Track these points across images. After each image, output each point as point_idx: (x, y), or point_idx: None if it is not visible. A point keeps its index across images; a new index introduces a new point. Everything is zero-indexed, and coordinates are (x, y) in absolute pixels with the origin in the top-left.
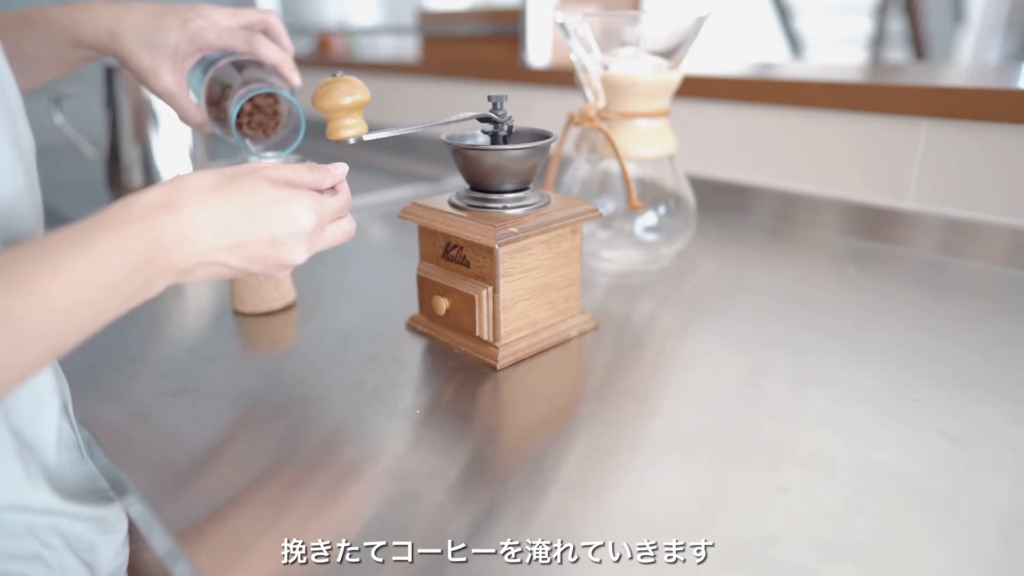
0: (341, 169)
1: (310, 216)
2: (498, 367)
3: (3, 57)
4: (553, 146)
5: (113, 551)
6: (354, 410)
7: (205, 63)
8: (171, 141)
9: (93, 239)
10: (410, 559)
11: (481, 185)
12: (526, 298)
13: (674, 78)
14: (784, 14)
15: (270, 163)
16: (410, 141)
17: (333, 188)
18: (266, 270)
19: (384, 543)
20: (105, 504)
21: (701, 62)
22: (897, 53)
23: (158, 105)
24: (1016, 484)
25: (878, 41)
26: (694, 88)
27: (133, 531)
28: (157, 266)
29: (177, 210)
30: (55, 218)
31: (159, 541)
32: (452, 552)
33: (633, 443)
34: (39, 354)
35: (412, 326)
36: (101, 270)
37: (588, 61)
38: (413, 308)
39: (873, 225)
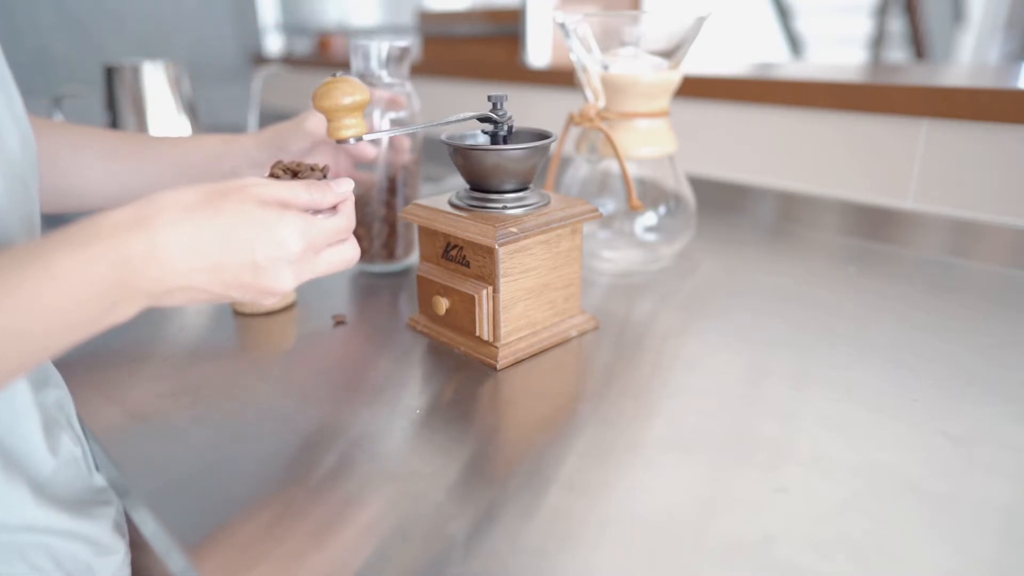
0: (345, 187)
1: (297, 240)
2: (498, 367)
3: (4, 65)
4: (553, 146)
5: (110, 573)
6: (354, 410)
7: None
8: None
9: (50, 258)
10: (410, 558)
11: (481, 185)
12: (526, 298)
13: (674, 78)
14: (784, 14)
15: (262, 180)
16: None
17: (335, 208)
18: (249, 297)
19: (384, 542)
20: (102, 523)
21: (701, 62)
22: (897, 53)
23: (158, 105)
24: (1016, 484)
25: (878, 41)
26: (694, 88)
27: (134, 532)
28: (125, 289)
29: (149, 229)
30: (56, 220)
31: (159, 543)
32: (452, 552)
33: (633, 443)
34: None
35: (412, 326)
36: (58, 292)
37: (588, 61)
38: (413, 308)
39: (873, 225)
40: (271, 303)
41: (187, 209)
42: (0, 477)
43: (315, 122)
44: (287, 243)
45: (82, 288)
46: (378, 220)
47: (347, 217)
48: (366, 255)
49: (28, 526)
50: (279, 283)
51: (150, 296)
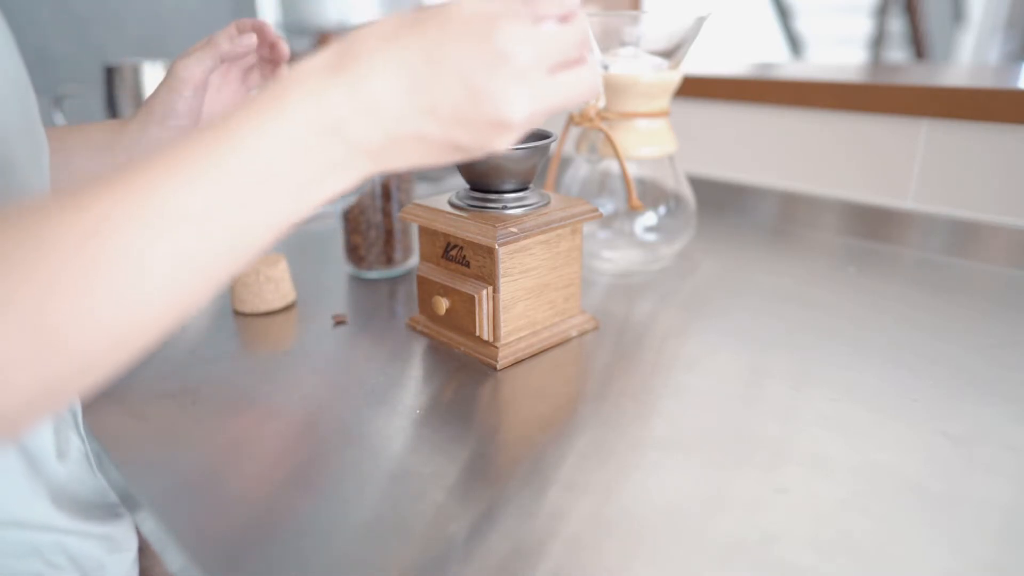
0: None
1: (520, 48)
2: (498, 367)
3: (16, 54)
4: (553, 146)
5: (123, 571)
6: (354, 410)
7: None
8: None
9: (231, 129)
10: (410, 558)
11: (481, 185)
12: (526, 298)
13: (674, 78)
14: (784, 14)
15: None
16: None
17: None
18: (478, 138)
19: (384, 542)
20: (114, 521)
21: (701, 62)
22: (897, 53)
23: None
24: (1016, 484)
25: (878, 41)
26: (694, 88)
27: (141, 539)
28: (335, 146)
29: (347, 70)
30: None
31: (159, 542)
32: (452, 552)
33: (633, 443)
34: (170, 299)
35: (412, 326)
36: (248, 163)
37: None
38: (413, 308)
39: (873, 225)
40: (503, 146)
41: (384, 41)
42: (21, 477)
43: (183, 65)
44: (509, 53)
45: (280, 149)
46: (375, 227)
47: (581, 30)
48: (364, 262)
49: (46, 525)
50: (510, 107)
51: (368, 154)
